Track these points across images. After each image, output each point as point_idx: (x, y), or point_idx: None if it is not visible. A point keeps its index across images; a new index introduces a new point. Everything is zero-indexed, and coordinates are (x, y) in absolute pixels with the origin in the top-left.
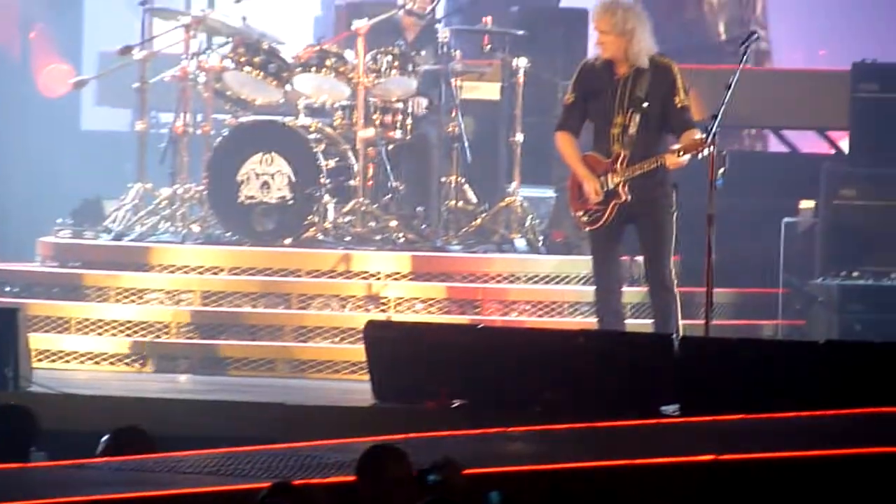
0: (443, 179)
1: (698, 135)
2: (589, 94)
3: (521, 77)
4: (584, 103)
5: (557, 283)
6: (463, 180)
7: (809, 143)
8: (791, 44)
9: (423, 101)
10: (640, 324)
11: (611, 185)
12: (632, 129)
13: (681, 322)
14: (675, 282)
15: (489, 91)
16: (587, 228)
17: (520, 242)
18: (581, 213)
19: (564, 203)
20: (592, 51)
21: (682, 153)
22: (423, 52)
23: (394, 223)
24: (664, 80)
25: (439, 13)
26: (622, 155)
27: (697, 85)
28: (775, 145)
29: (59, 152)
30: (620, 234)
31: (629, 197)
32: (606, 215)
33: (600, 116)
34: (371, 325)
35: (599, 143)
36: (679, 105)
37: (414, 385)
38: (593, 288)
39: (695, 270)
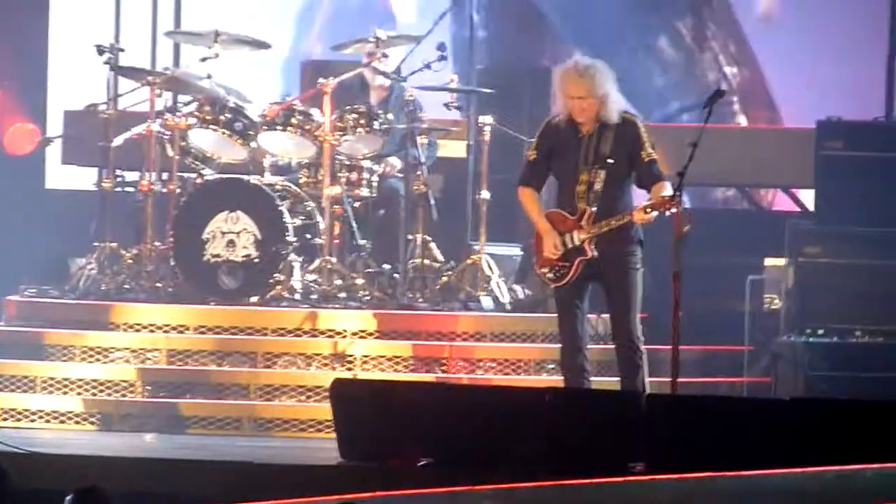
0: (409, 237)
1: (668, 188)
2: (553, 152)
3: (486, 135)
4: (548, 160)
5: (523, 340)
6: (429, 238)
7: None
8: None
9: (398, 164)
10: (606, 381)
11: (577, 242)
12: (597, 186)
13: (647, 379)
14: (642, 339)
15: (455, 149)
16: (553, 285)
17: (486, 300)
18: (546, 269)
19: (530, 260)
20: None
21: (650, 210)
22: (389, 111)
23: (360, 281)
24: (629, 136)
25: (405, 71)
26: (588, 212)
27: (662, 143)
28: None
29: (23, 211)
30: (586, 291)
31: (595, 254)
32: (572, 272)
33: (565, 174)
34: (337, 383)
35: (564, 201)
36: (646, 159)
37: (380, 443)
38: (559, 345)
39: (661, 328)
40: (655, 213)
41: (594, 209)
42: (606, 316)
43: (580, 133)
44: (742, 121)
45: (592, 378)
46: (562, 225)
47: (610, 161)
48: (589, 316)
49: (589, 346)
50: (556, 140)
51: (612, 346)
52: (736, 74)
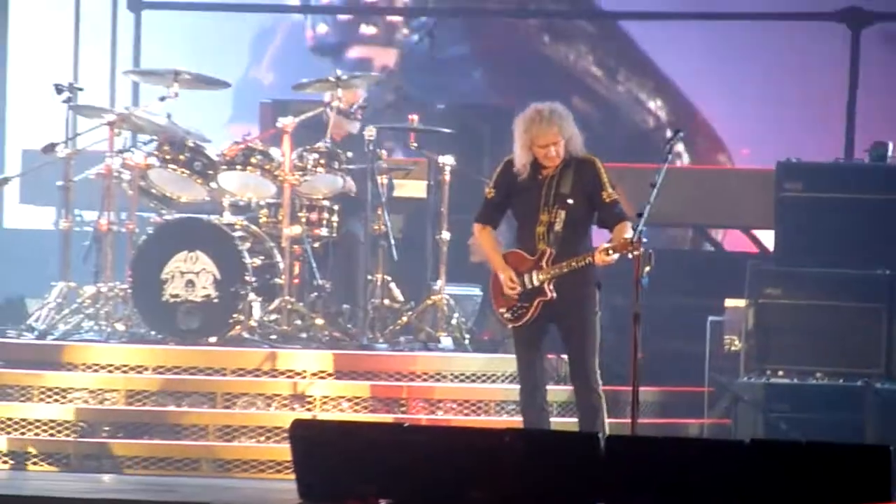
0: (369, 277)
1: (630, 229)
2: (512, 191)
3: (447, 175)
4: (507, 199)
5: (484, 381)
6: (389, 278)
7: (734, 240)
8: (715, 144)
9: (353, 186)
10: (566, 422)
11: (536, 283)
12: (557, 227)
13: (607, 421)
14: (600, 381)
15: (416, 189)
16: (511, 325)
17: (446, 340)
18: (504, 309)
19: (490, 300)
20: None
21: (611, 252)
22: (348, 152)
23: (320, 321)
24: (588, 176)
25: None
26: (548, 252)
27: (623, 183)
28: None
29: None
30: (545, 332)
31: (555, 295)
32: (531, 313)
33: (525, 214)
34: (297, 423)
35: (524, 241)
36: (607, 199)
37: (340, 484)
38: (518, 386)
39: (621, 369)
40: (616, 256)
41: (554, 250)
42: (566, 357)
43: (541, 174)
44: (679, 148)
45: (553, 419)
46: (521, 265)
47: (570, 201)
48: (549, 357)
49: (548, 387)
50: (515, 179)
51: (572, 388)
52: (661, 106)
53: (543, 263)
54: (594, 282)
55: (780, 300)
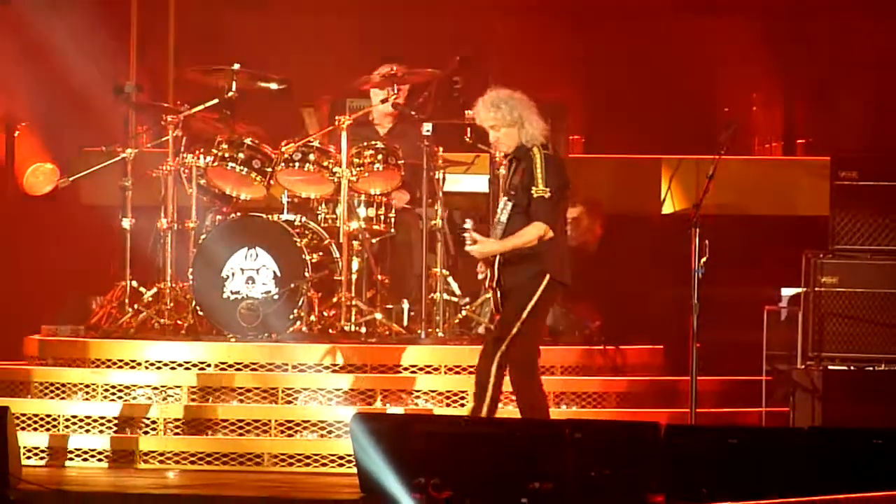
0: (427, 272)
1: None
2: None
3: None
4: None
5: (542, 373)
6: (447, 272)
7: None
8: (771, 133)
9: (405, 196)
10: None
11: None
12: (503, 216)
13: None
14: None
15: (477, 183)
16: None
17: None
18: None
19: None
20: (573, 142)
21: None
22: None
23: (378, 316)
24: (527, 168)
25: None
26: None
27: (682, 173)
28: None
29: (44, 250)
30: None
31: (496, 283)
32: (494, 300)
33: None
34: (357, 417)
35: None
36: (535, 195)
37: (401, 477)
38: (572, 377)
39: (679, 359)
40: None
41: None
42: (625, 347)
43: (503, 164)
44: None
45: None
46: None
47: (512, 192)
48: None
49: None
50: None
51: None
52: None
53: None
54: (533, 269)
55: (836, 288)
